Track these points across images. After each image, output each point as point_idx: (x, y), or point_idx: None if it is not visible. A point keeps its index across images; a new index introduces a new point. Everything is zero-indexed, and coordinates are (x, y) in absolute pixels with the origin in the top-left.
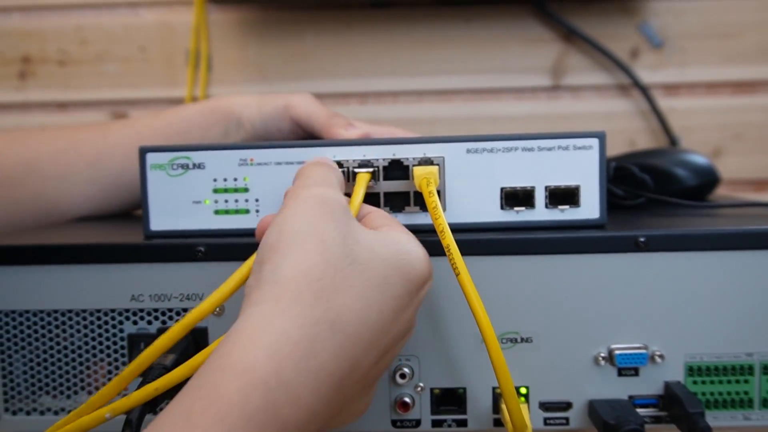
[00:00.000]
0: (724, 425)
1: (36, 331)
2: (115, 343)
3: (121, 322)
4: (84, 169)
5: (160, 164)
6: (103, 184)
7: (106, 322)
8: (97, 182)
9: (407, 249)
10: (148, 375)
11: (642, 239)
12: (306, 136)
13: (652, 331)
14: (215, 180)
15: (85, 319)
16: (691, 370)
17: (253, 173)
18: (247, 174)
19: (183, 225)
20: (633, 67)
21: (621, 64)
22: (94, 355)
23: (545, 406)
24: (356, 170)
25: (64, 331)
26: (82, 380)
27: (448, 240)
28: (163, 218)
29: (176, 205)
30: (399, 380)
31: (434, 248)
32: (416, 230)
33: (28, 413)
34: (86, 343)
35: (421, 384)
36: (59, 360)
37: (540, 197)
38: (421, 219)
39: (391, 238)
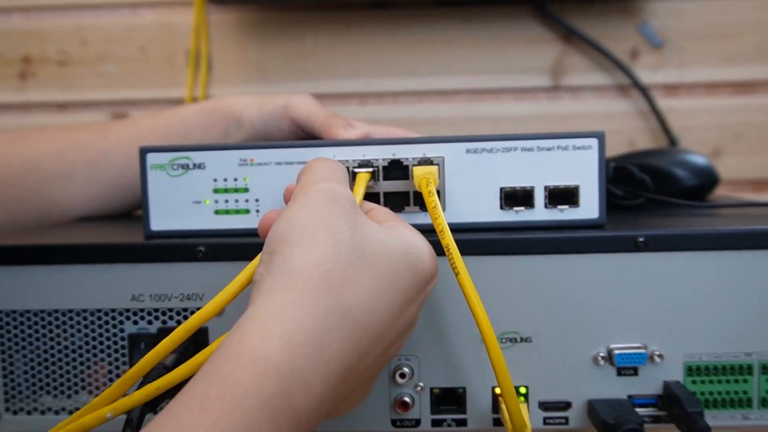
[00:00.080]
0: (723, 425)
1: (37, 331)
2: (115, 342)
3: (121, 322)
4: (84, 169)
5: (160, 164)
6: (103, 184)
7: (106, 322)
8: (98, 182)
9: (415, 243)
10: (149, 374)
11: (641, 239)
12: (305, 136)
13: (652, 330)
14: (215, 180)
15: (85, 319)
16: (690, 370)
17: (253, 173)
18: (248, 174)
19: (183, 225)
20: (633, 67)
21: (621, 65)
22: (95, 355)
23: (545, 406)
24: (356, 170)
25: (64, 330)
26: (82, 380)
27: (448, 239)
28: (163, 218)
29: (176, 205)
30: (399, 380)
31: (434, 248)
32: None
33: (28, 413)
34: (87, 343)
35: (421, 384)
36: (60, 360)
37: (539, 197)
38: (420, 219)
39: (399, 232)
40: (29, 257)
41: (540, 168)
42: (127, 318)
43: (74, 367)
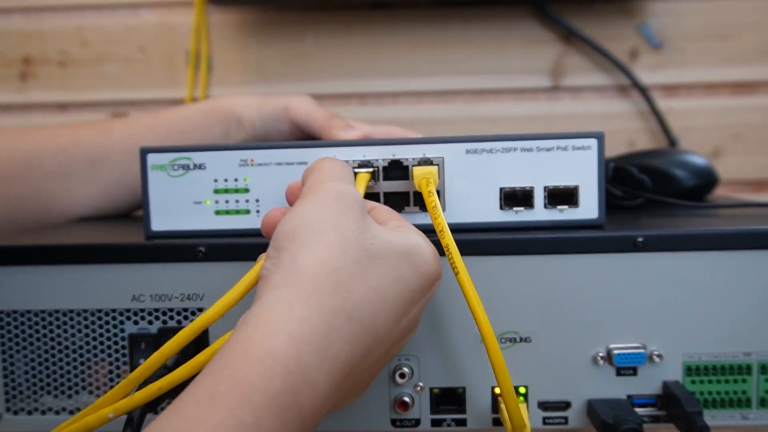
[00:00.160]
0: (722, 424)
1: (37, 331)
2: (116, 343)
3: (122, 322)
4: (85, 168)
5: (161, 165)
6: (103, 184)
7: (107, 322)
8: (98, 181)
9: (420, 245)
10: (150, 375)
11: (640, 239)
12: (305, 137)
13: (651, 330)
14: (216, 180)
15: (86, 319)
16: (690, 370)
17: (253, 174)
18: (248, 174)
19: (184, 225)
20: (632, 67)
21: (620, 65)
22: (95, 355)
23: (544, 406)
24: (356, 170)
25: (65, 331)
26: (83, 380)
27: (448, 239)
28: (164, 219)
29: (177, 206)
30: (399, 380)
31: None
32: None
33: (29, 413)
34: (87, 343)
35: (421, 383)
36: (60, 360)
37: (539, 197)
38: (420, 219)
39: (405, 234)
40: (30, 257)
41: (539, 168)
42: (128, 318)
43: (75, 368)
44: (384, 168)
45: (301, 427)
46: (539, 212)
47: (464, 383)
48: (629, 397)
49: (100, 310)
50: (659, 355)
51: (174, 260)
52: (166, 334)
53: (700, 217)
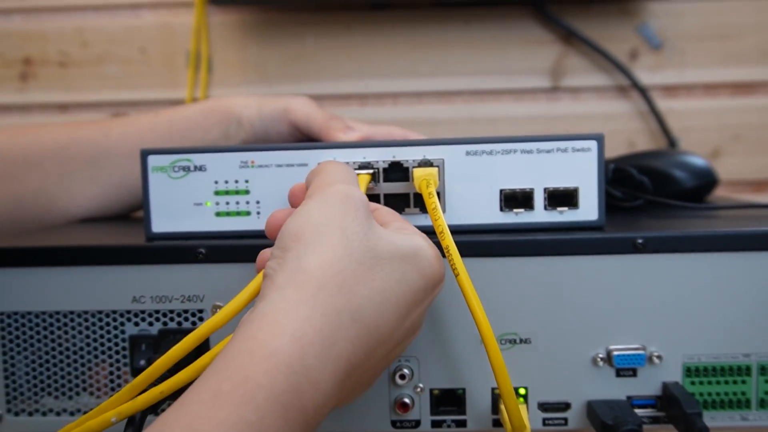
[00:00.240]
0: (721, 425)
1: (38, 333)
2: (116, 344)
3: (122, 324)
4: (84, 168)
5: (161, 166)
6: (103, 184)
7: (107, 324)
8: (98, 181)
9: (424, 247)
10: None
11: (640, 241)
12: (304, 139)
13: (650, 332)
14: (216, 182)
15: (86, 320)
16: (689, 371)
17: (254, 175)
18: (248, 176)
19: (184, 227)
20: (632, 68)
21: (620, 66)
22: (96, 357)
23: (544, 407)
24: (357, 172)
25: (66, 332)
26: (84, 381)
27: (448, 241)
28: (164, 220)
29: (178, 207)
30: (399, 381)
31: None
32: None
33: (30, 414)
34: (88, 345)
35: (421, 385)
36: (61, 361)
37: (539, 199)
38: (421, 220)
39: (408, 236)
40: (31, 259)
41: (539, 170)
42: (128, 319)
43: (75, 369)
44: (384, 170)
45: (304, 425)
46: (539, 214)
47: (464, 384)
48: (629, 398)
49: (100, 312)
50: (659, 357)
51: (174, 262)
52: (167, 335)
53: (700, 218)
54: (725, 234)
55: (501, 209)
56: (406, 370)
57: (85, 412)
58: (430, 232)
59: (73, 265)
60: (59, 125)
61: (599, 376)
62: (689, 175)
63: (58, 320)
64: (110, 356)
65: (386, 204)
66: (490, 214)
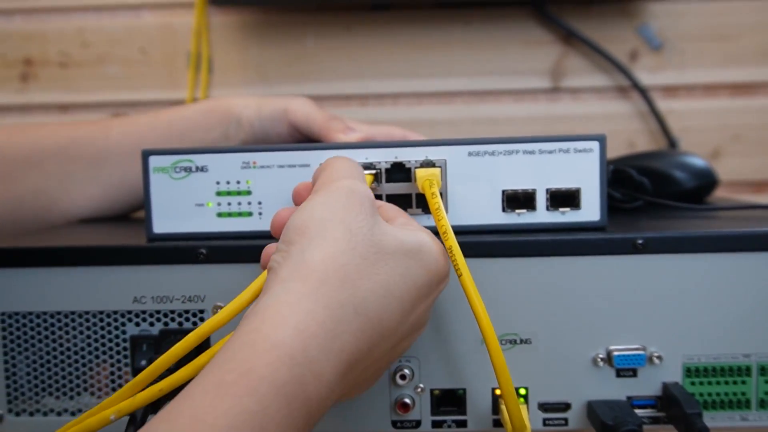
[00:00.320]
0: (721, 426)
1: (39, 333)
2: (117, 344)
3: (123, 324)
4: (84, 168)
5: (162, 167)
6: (103, 184)
7: (108, 324)
8: (98, 181)
9: (429, 243)
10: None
11: (640, 241)
12: (304, 139)
13: (651, 332)
14: (218, 183)
15: (88, 320)
16: (689, 371)
17: (256, 176)
18: (250, 177)
19: (186, 228)
20: (632, 69)
21: (620, 66)
22: (97, 357)
23: (544, 407)
24: None
25: (67, 332)
26: (84, 381)
27: (451, 241)
28: (165, 221)
29: (179, 208)
30: (399, 381)
31: None
32: None
33: (31, 414)
34: (89, 345)
35: (421, 385)
36: (62, 361)
37: (541, 200)
38: (423, 221)
39: (413, 231)
40: (33, 259)
41: (542, 171)
42: (129, 320)
43: (76, 369)
44: (386, 170)
45: (307, 416)
46: (541, 214)
47: (465, 385)
48: (629, 398)
49: (101, 312)
50: (659, 357)
51: (175, 262)
52: (168, 335)
53: (700, 219)
54: (725, 234)
55: (503, 210)
56: (406, 371)
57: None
58: (433, 232)
59: (75, 265)
60: (59, 125)
61: (599, 376)
62: (689, 175)
63: (59, 320)
64: (111, 356)
65: None
66: (492, 214)
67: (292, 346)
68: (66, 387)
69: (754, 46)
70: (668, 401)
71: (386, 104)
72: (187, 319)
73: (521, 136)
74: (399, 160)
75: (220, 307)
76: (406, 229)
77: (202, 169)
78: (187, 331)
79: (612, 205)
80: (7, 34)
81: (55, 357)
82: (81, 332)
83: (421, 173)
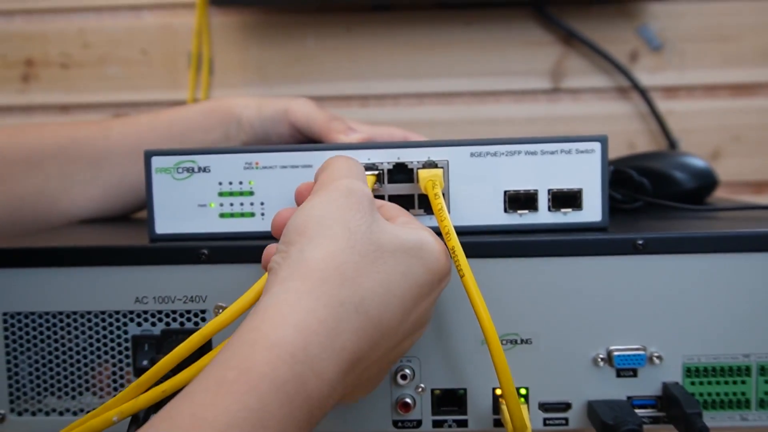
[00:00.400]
0: (721, 426)
1: (42, 333)
2: (119, 344)
3: (125, 324)
4: (85, 169)
5: (165, 168)
6: (103, 184)
7: (110, 324)
8: (98, 182)
9: (429, 241)
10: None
11: (640, 242)
12: (305, 140)
13: (651, 332)
14: (220, 183)
15: (90, 320)
16: (689, 371)
17: (258, 177)
18: (253, 177)
19: (188, 228)
20: (632, 69)
21: (620, 67)
22: (99, 357)
23: (545, 407)
24: None
25: (69, 332)
26: (86, 381)
27: (454, 242)
28: (168, 221)
29: (181, 209)
30: (400, 381)
31: None
32: None
33: (33, 414)
34: (91, 345)
35: (422, 385)
36: (64, 361)
37: (543, 200)
38: (425, 221)
39: (414, 230)
40: (35, 260)
41: (543, 171)
42: (131, 320)
43: (78, 369)
44: (389, 171)
45: (308, 414)
46: (543, 215)
47: (465, 385)
48: (629, 398)
49: (103, 312)
50: (659, 357)
51: (177, 262)
52: (169, 335)
53: (700, 219)
54: (725, 235)
55: (505, 210)
56: (407, 370)
57: (87, 412)
58: (435, 232)
59: (77, 265)
60: (59, 125)
61: (600, 376)
62: (689, 176)
63: (61, 320)
64: (113, 356)
65: None
66: (494, 215)
67: (292, 344)
68: (68, 387)
69: (754, 47)
70: (668, 401)
71: (387, 105)
72: (189, 320)
73: (523, 136)
74: (401, 160)
75: (222, 308)
76: (406, 228)
77: (204, 169)
78: (189, 331)
79: (612, 205)
80: (8, 35)
81: (57, 357)
82: (83, 332)
83: (423, 174)
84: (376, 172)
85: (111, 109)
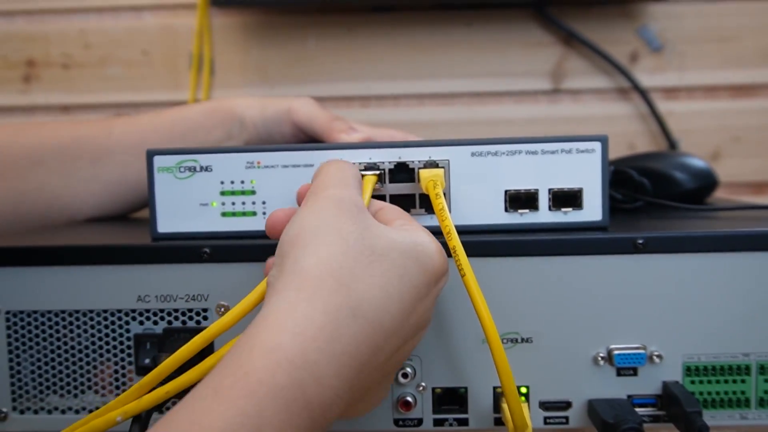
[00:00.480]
0: (721, 424)
1: (44, 331)
2: (121, 343)
3: (127, 323)
4: (88, 166)
5: (167, 167)
6: (105, 182)
7: (112, 323)
8: (100, 180)
9: (425, 242)
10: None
11: (640, 241)
12: (307, 139)
13: (651, 331)
14: (222, 182)
15: (92, 319)
16: (689, 370)
17: (260, 176)
18: (254, 177)
19: (190, 227)
20: (632, 70)
21: (621, 68)
22: (101, 355)
23: (545, 406)
24: (363, 173)
25: (71, 331)
26: (89, 380)
27: (455, 241)
28: (170, 220)
29: (183, 208)
30: (401, 380)
31: None
32: None
33: (35, 412)
34: (93, 343)
35: (423, 383)
36: (66, 360)
37: (543, 200)
38: (426, 221)
39: (408, 231)
40: (37, 258)
41: (544, 171)
42: (133, 318)
43: (81, 367)
44: (390, 170)
45: (309, 421)
46: (544, 214)
47: (466, 383)
48: (629, 397)
49: (105, 311)
50: (659, 356)
51: (179, 261)
52: (171, 334)
53: (700, 219)
54: (725, 234)
55: (506, 210)
56: (408, 369)
57: (90, 411)
58: (437, 232)
59: (79, 264)
60: (61, 124)
61: (600, 375)
62: (689, 176)
63: (63, 319)
64: (115, 355)
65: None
66: (494, 214)
67: (290, 350)
68: (70, 385)
69: (754, 48)
70: (668, 400)
71: (387, 105)
72: (191, 318)
73: (524, 136)
74: (402, 160)
75: (224, 306)
76: (401, 230)
77: (206, 168)
78: (191, 330)
79: (613, 205)
80: (10, 36)
81: (59, 355)
82: (85, 331)
83: (424, 174)
84: (378, 172)
85: (112, 110)
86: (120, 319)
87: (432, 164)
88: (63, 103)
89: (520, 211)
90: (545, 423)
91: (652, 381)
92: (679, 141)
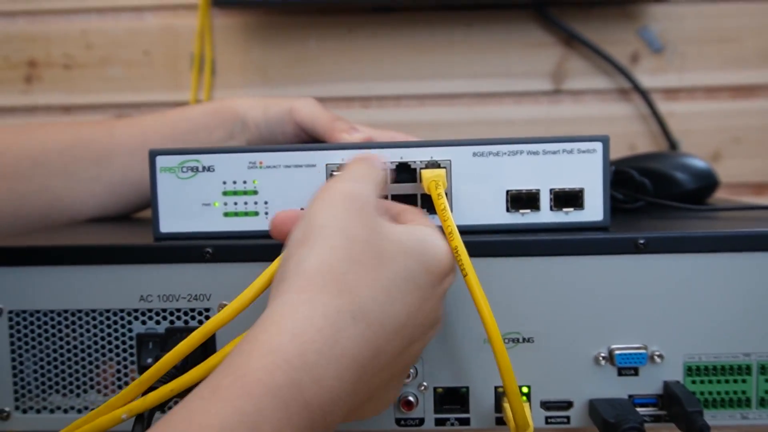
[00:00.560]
0: (722, 424)
1: (46, 331)
2: (123, 342)
3: (129, 322)
4: (89, 167)
5: (169, 167)
6: (108, 183)
7: (115, 322)
8: (102, 180)
9: (430, 241)
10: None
11: (641, 241)
12: (309, 139)
13: (652, 331)
14: (225, 183)
15: (94, 319)
16: (690, 370)
17: (262, 176)
18: (257, 177)
19: (192, 227)
20: (633, 71)
21: (621, 69)
22: (104, 355)
23: (546, 405)
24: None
25: (74, 330)
26: (91, 379)
27: (457, 241)
28: (172, 220)
29: (186, 208)
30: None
31: None
32: None
33: (38, 411)
34: (95, 343)
35: (425, 383)
36: (69, 359)
37: (545, 200)
38: None
39: (415, 231)
40: (40, 258)
41: (545, 171)
42: (136, 318)
43: (83, 367)
44: (392, 171)
45: (309, 422)
46: (545, 214)
47: (468, 383)
48: (630, 396)
49: (108, 310)
50: (660, 356)
51: (182, 261)
52: (174, 333)
53: (700, 219)
54: (726, 235)
55: (507, 210)
56: (410, 369)
57: (92, 410)
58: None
59: (82, 264)
60: (64, 125)
61: (601, 375)
62: (690, 177)
63: (66, 318)
64: (117, 354)
65: None
66: (496, 214)
67: (289, 351)
68: (72, 384)
69: (755, 49)
70: (669, 399)
71: (388, 106)
72: (193, 318)
73: (525, 136)
74: (404, 160)
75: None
76: (408, 228)
77: (208, 168)
78: (193, 330)
79: (614, 205)
80: (11, 36)
81: (61, 355)
82: (88, 330)
83: (426, 174)
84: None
85: (113, 110)
86: (122, 318)
87: (434, 164)
88: (64, 103)
89: (521, 211)
90: (546, 423)
91: (653, 381)
92: (679, 141)
